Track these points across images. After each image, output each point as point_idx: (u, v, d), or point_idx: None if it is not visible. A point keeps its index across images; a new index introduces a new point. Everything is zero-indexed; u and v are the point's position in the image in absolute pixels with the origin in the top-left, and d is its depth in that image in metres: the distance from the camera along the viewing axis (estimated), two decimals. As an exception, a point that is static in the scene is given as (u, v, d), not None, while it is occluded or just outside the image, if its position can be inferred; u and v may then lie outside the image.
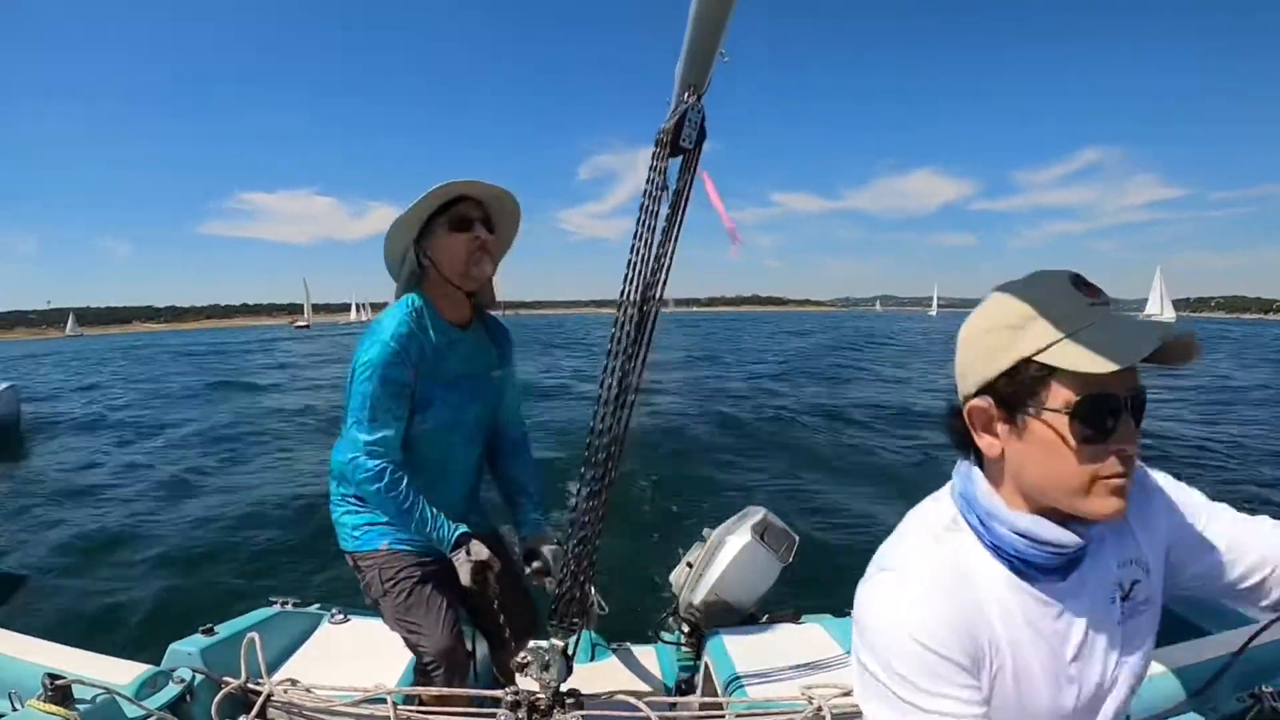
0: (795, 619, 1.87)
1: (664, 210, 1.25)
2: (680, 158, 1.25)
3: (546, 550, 1.54)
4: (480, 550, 1.42)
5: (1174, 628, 1.04)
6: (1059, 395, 0.63)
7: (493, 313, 1.66)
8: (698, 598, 1.97)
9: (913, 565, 0.69)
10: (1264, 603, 0.76)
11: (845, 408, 11.17)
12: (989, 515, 0.69)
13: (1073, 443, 0.63)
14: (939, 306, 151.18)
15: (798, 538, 2.06)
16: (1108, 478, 0.64)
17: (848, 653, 1.63)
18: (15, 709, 1.14)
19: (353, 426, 1.41)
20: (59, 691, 1.14)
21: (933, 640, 0.64)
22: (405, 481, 1.41)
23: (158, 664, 1.39)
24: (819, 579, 3.93)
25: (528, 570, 1.56)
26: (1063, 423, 0.63)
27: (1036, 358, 0.64)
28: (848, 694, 1.32)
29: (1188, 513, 0.78)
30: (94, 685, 1.21)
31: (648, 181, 1.23)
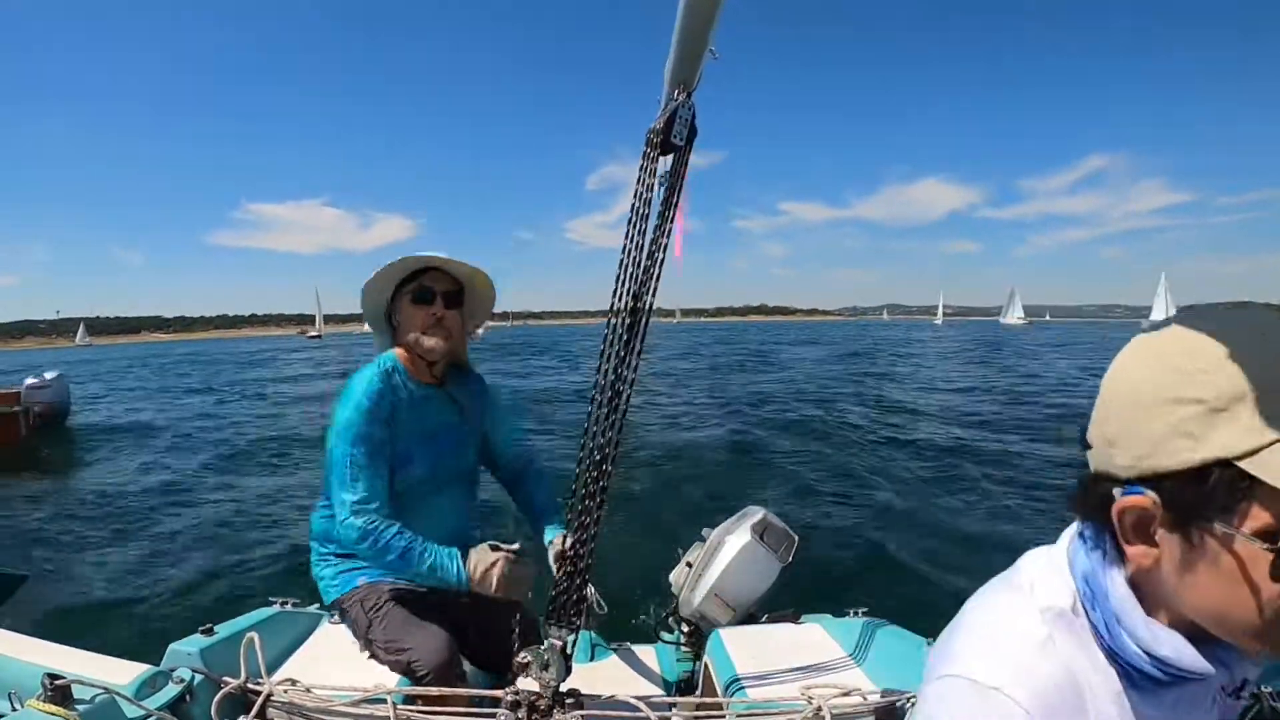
0: (795, 619, 1.87)
1: (656, 208, 1.26)
2: (671, 155, 1.25)
3: (554, 544, 1.55)
4: (485, 555, 1.43)
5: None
6: (1260, 517, 0.45)
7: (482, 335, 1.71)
8: (697, 598, 1.97)
9: (1023, 683, 0.53)
10: None
11: (845, 408, 11.17)
12: (1119, 623, 0.54)
13: (1266, 578, 0.46)
14: (945, 315, 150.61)
15: (797, 538, 2.06)
16: None
17: (847, 653, 1.63)
18: (15, 709, 1.14)
19: (336, 488, 1.45)
20: (58, 691, 1.14)
21: None
22: (395, 531, 1.43)
23: (157, 664, 1.39)
24: (819, 579, 3.93)
25: (557, 574, 1.59)
26: (1258, 554, 0.46)
27: (1242, 463, 0.45)
28: (847, 694, 1.32)
29: None
30: (93, 685, 1.20)
31: (638, 181, 1.23)
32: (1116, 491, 0.52)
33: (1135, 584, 0.55)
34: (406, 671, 1.46)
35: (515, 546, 1.46)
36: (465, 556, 1.45)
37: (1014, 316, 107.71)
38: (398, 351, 1.57)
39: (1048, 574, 0.59)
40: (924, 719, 0.57)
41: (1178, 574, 0.51)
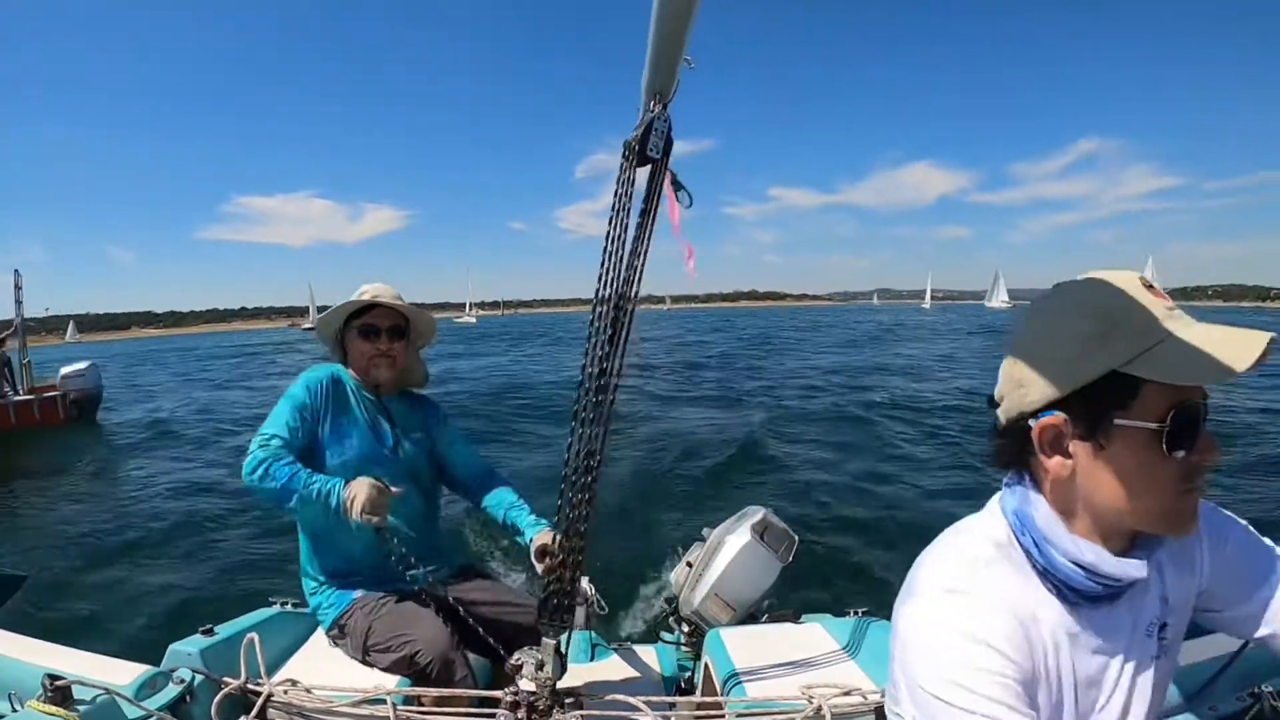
0: (795, 619, 1.87)
1: (634, 219, 1.26)
2: (649, 167, 1.25)
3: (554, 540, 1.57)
4: (360, 483, 1.47)
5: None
6: (1150, 409, 0.59)
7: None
8: (697, 597, 1.97)
9: (980, 585, 0.64)
10: None
11: (845, 406, 11.17)
12: (1047, 541, 0.65)
13: (1164, 459, 0.59)
14: (933, 299, 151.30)
15: (797, 538, 2.06)
16: (1189, 492, 0.61)
17: (848, 652, 1.63)
18: (15, 710, 1.14)
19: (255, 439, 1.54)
20: (59, 692, 1.14)
21: (1006, 662, 0.60)
22: (288, 460, 1.49)
23: (157, 664, 1.39)
24: (819, 579, 3.93)
25: (540, 567, 1.58)
26: (1153, 439, 0.59)
27: (1124, 369, 0.59)
28: (848, 694, 1.32)
29: (1234, 551, 0.73)
30: (94, 686, 1.21)
31: (615, 193, 1.24)
32: (1031, 422, 0.64)
33: (1056, 505, 0.66)
34: (410, 664, 1.47)
35: (390, 485, 1.51)
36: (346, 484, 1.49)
37: (999, 300, 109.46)
38: (350, 369, 1.74)
39: (983, 518, 0.72)
40: (899, 642, 0.65)
41: (1091, 477, 0.63)
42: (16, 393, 10.89)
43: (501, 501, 1.79)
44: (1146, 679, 0.68)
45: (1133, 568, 0.64)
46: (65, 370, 11.15)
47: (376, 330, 1.68)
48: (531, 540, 1.64)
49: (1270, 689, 1.12)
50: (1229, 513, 0.76)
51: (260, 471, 1.47)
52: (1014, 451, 0.68)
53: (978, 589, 0.64)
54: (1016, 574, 0.66)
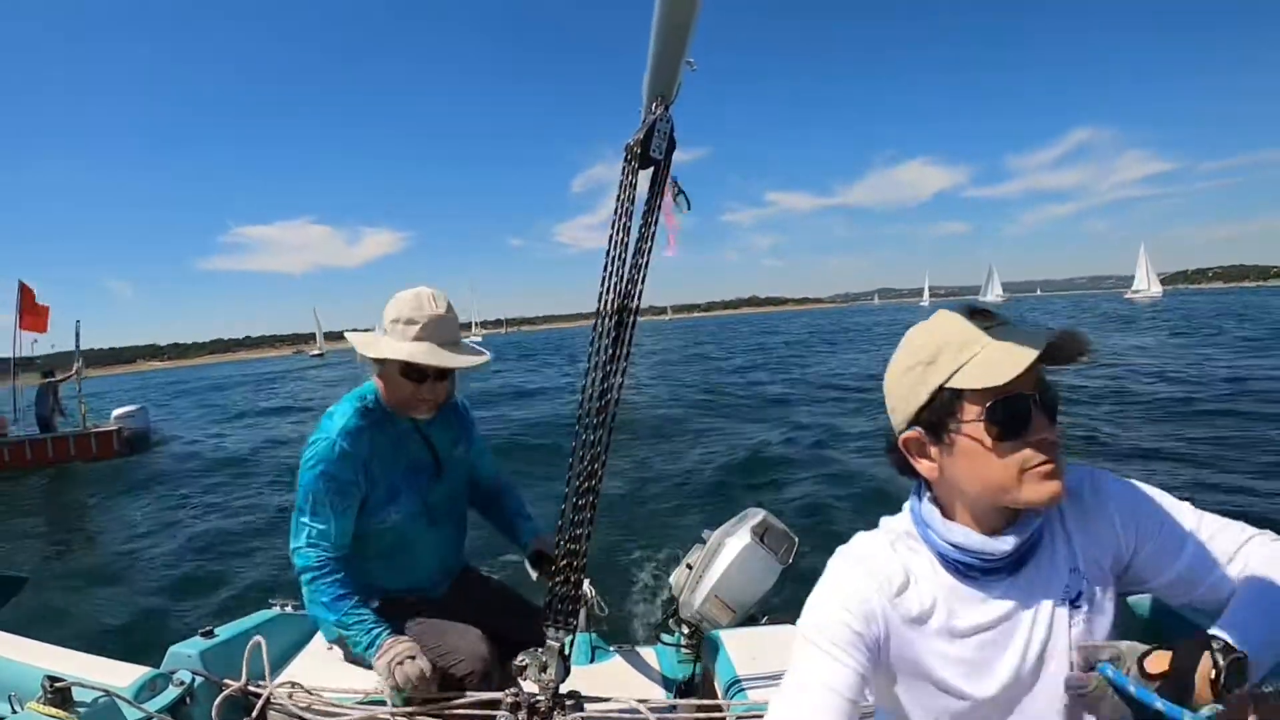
0: (795, 621, 1.87)
1: (637, 221, 1.27)
2: (651, 169, 1.26)
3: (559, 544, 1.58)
4: (400, 645, 1.38)
5: (1174, 627, 1.04)
6: (970, 410, 0.74)
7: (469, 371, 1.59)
8: (697, 600, 1.96)
9: (862, 559, 0.83)
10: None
11: (843, 404, 11.17)
12: (926, 525, 0.82)
13: (990, 444, 0.73)
14: (932, 296, 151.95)
15: (797, 539, 2.06)
16: (1034, 467, 0.73)
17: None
18: (15, 711, 1.14)
19: (296, 516, 1.48)
20: (59, 694, 1.14)
21: (854, 618, 0.77)
22: (341, 576, 1.44)
23: (158, 667, 1.39)
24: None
25: (536, 575, 1.61)
26: (979, 430, 0.74)
27: (948, 385, 0.75)
28: (848, 695, 1.32)
29: (1150, 521, 0.80)
30: (94, 688, 1.21)
31: (618, 195, 1.24)
32: (901, 438, 0.81)
33: (937, 499, 0.83)
34: (444, 675, 1.44)
35: (427, 673, 1.38)
36: (391, 641, 1.40)
37: (993, 294, 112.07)
38: (378, 382, 1.53)
39: (896, 516, 0.88)
40: (811, 595, 0.83)
41: (951, 473, 0.78)
42: (64, 417, 12.78)
43: (503, 512, 1.78)
44: (1058, 644, 0.78)
45: (998, 544, 0.77)
46: (117, 412, 12.76)
47: (423, 374, 1.46)
48: (527, 545, 1.65)
49: (1270, 689, 1.12)
50: (1138, 482, 0.84)
51: (311, 575, 1.44)
52: (903, 461, 0.83)
53: (858, 561, 0.82)
54: (910, 553, 0.82)
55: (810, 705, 0.73)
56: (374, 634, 1.39)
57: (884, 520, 0.89)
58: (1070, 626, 0.78)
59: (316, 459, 1.43)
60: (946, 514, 0.81)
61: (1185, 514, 0.80)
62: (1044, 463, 0.72)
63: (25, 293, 12.17)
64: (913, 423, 0.79)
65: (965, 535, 0.78)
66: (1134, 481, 0.84)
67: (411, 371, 1.45)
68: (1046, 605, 0.78)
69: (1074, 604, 0.78)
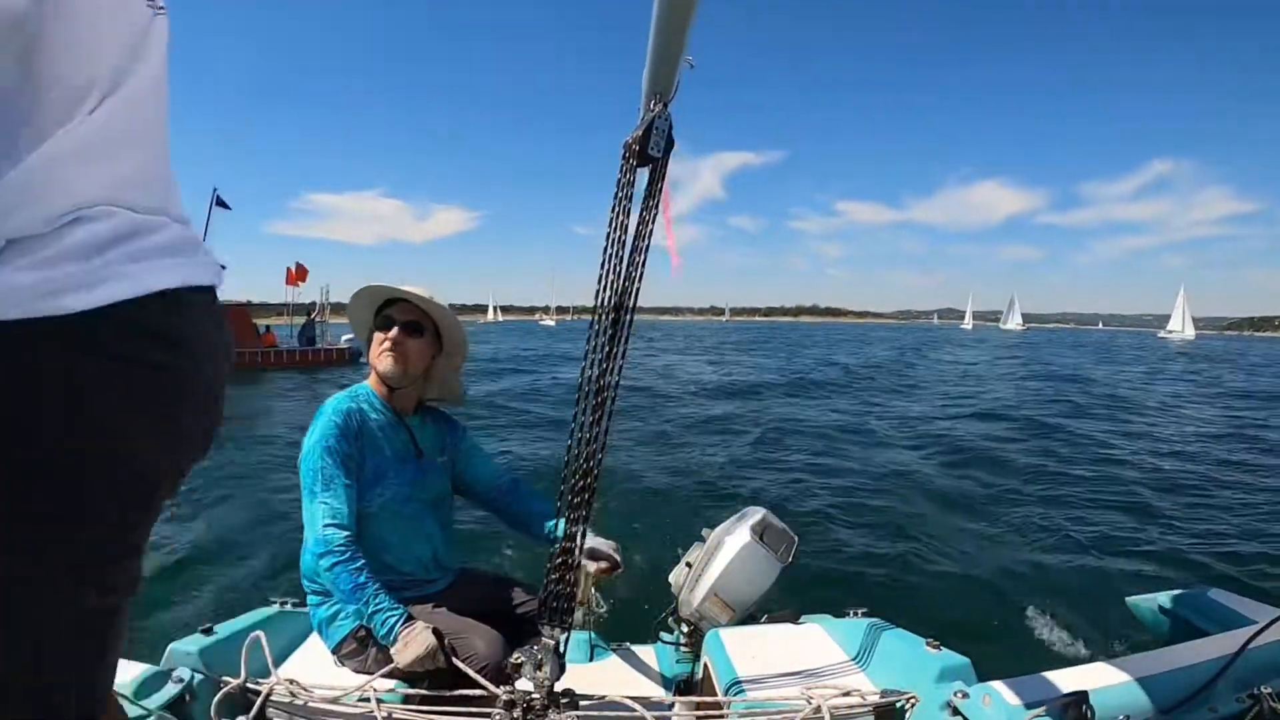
0: (795, 619, 1.87)
1: (634, 220, 1.27)
2: (649, 167, 1.26)
3: (600, 544, 1.69)
4: (421, 631, 1.42)
5: (1174, 627, 1.04)
6: None
7: (442, 403, 1.86)
8: (697, 598, 1.97)
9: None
10: None
11: (843, 409, 11.16)
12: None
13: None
14: (974, 320, 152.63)
15: (797, 538, 2.06)
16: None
17: (847, 653, 1.63)
18: None
19: (307, 502, 1.51)
20: (58, 691, 1.14)
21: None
22: (363, 562, 1.47)
23: (156, 663, 1.39)
24: (819, 579, 3.93)
25: (591, 569, 1.70)
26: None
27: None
28: (848, 694, 1.32)
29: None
30: None
31: (615, 195, 1.24)
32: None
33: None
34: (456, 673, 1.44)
35: (447, 655, 1.44)
36: (411, 622, 1.44)
37: (1013, 323, 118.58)
38: (371, 380, 1.71)
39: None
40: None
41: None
42: (315, 345, 22.89)
43: (524, 514, 1.81)
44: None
45: None
46: (346, 337, 21.19)
47: (390, 322, 1.66)
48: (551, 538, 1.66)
49: (1270, 690, 1.12)
50: None
51: (328, 565, 1.46)
52: None
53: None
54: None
55: None
56: (400, 614, 1.45)
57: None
58: None
59: (316, 437, 1.55)
60: None
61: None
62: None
63: (299, 268, 23.22)
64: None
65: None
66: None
67: (385, 320, 1.66)
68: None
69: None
